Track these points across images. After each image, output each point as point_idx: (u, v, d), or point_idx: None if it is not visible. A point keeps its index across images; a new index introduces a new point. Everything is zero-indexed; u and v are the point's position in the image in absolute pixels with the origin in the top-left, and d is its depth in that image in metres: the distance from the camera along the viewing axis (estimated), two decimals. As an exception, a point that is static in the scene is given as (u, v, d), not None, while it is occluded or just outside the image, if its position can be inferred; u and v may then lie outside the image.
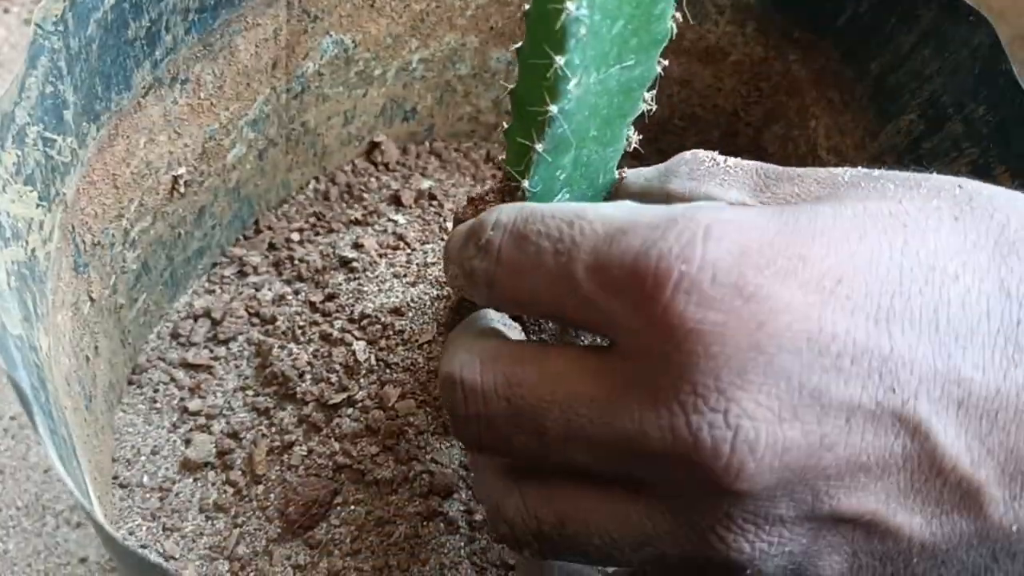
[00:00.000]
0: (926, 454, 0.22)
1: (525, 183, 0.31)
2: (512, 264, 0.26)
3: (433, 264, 0.44)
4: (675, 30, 0.29)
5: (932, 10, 0.40)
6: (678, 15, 0.29)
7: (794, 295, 0.22)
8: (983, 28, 0.38)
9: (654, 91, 0.31)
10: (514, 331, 0.31)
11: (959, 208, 0.24)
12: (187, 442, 0.39)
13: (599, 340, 0.40)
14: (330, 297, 0.42)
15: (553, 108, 0.29)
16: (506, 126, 0.32)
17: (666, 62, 0.31)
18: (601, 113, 0.31)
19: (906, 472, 0.23)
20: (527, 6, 0.28)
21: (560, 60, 0.27)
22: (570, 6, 0.26)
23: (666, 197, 0.31)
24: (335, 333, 0.41)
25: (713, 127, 0.52)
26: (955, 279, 0.23)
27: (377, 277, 0.43)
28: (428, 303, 0.41)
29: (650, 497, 0.25)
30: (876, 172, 0.27)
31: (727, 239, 0.22)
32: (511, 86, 0.30)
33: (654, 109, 0.32)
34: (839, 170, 0.28)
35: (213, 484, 0.37)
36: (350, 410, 0.38)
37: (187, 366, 0.42)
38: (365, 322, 0.41)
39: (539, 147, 0.30)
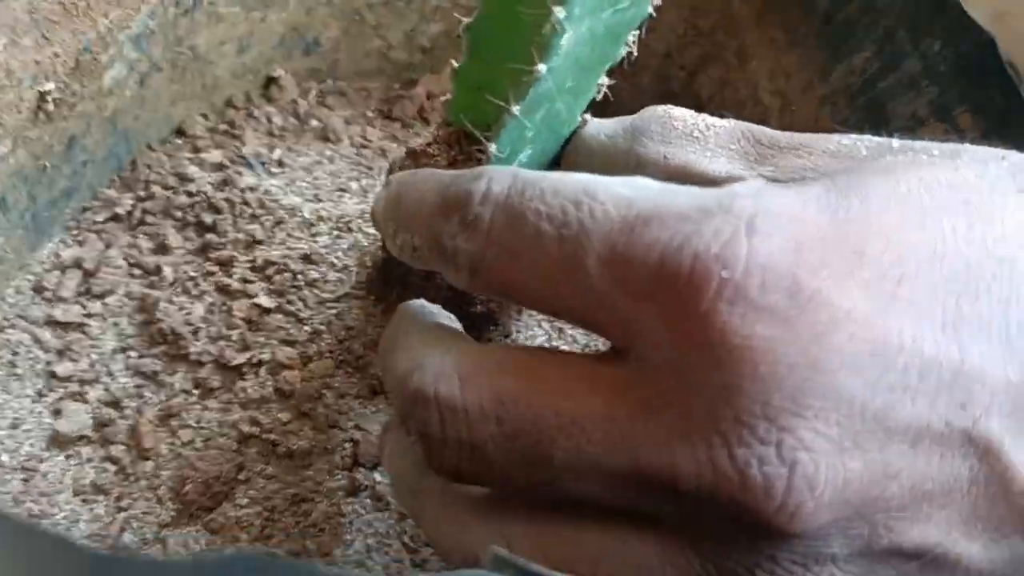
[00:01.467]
0: (996, 476, 0.20)
1: (493, 147, 0.28)
2: (506, 249, 0.22)
3: (343, 208, 0.39)
4: None
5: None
6: None
7: (855, 300, 0.19)
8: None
9: (639, 31, 0.28)
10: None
11: (1015, 181, 0.22)
12: (56, 413, 0.34)
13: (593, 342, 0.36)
14: (226, 244, 0.38)
15: (542, 67, 0.25)
16: (455, 64, 0.28)
17: (659, 2, 0.27)
18: (582, 62, 0.28)
19: (970, 498, 0.20)
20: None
21: (560, 13, 0.24)
22: None
23: (636, 162, 0.28)
24: (234, 284, 0.36)
25: (643, 70, 0.49)
26: None
27: (281, 222, 0.38)
28: (343, 251, 0.37)
29: (668, 535, 0.21)
30: (896, 142, 0.24)
31: (777, 235, 0.19)
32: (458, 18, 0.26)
33: (636, 54, 0.29)
34: (849, 141, 0.25)
35: (90, 461, 0.33)
36: (256, 371, 0.34)
37: (54, 324, 0.36)
38: (271, 271, 0.36)
39: (516, 109, 0.27)
